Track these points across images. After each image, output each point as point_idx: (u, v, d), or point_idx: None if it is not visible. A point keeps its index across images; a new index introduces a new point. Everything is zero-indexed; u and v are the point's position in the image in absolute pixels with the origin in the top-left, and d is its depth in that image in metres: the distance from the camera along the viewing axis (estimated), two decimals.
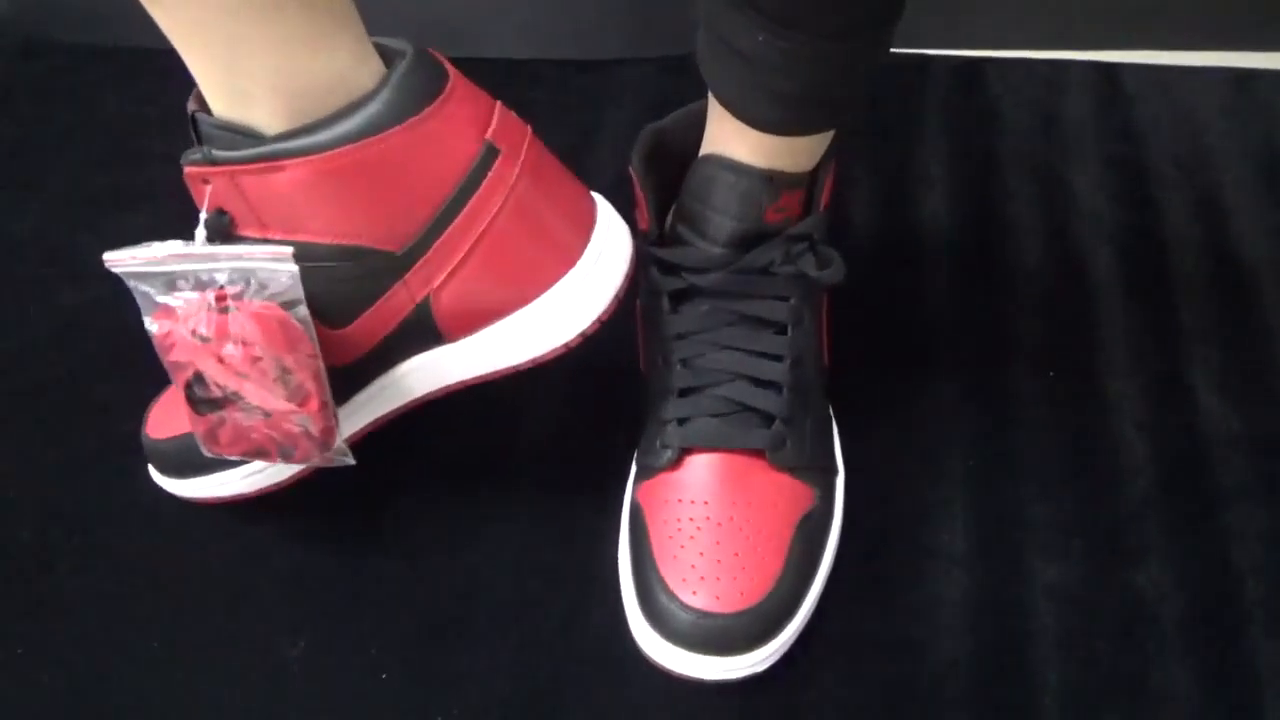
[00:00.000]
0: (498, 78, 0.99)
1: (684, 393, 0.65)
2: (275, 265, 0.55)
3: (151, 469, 0.69)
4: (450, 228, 0.57)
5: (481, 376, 0.62)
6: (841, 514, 0.67)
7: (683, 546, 0.62)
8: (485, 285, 0.59)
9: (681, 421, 0.65)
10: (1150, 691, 0.61)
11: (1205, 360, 0.77)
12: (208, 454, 0.62)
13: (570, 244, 0.60)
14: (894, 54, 1.00)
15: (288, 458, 0.60)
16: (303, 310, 0.56)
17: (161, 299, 0.57)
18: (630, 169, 0.66)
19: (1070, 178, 0.90)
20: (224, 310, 0.56)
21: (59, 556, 0.68)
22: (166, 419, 0.68)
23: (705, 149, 0.64)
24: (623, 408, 0.72)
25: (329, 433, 0.59)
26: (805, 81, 0.58)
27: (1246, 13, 1.00)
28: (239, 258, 0.55)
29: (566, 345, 0.61)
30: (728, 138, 0.62)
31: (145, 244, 0.57)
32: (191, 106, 0.56)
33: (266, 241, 0.56)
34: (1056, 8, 1.00)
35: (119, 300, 0.81)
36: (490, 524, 0.69)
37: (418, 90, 0.56)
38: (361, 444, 0.73)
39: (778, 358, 0.65)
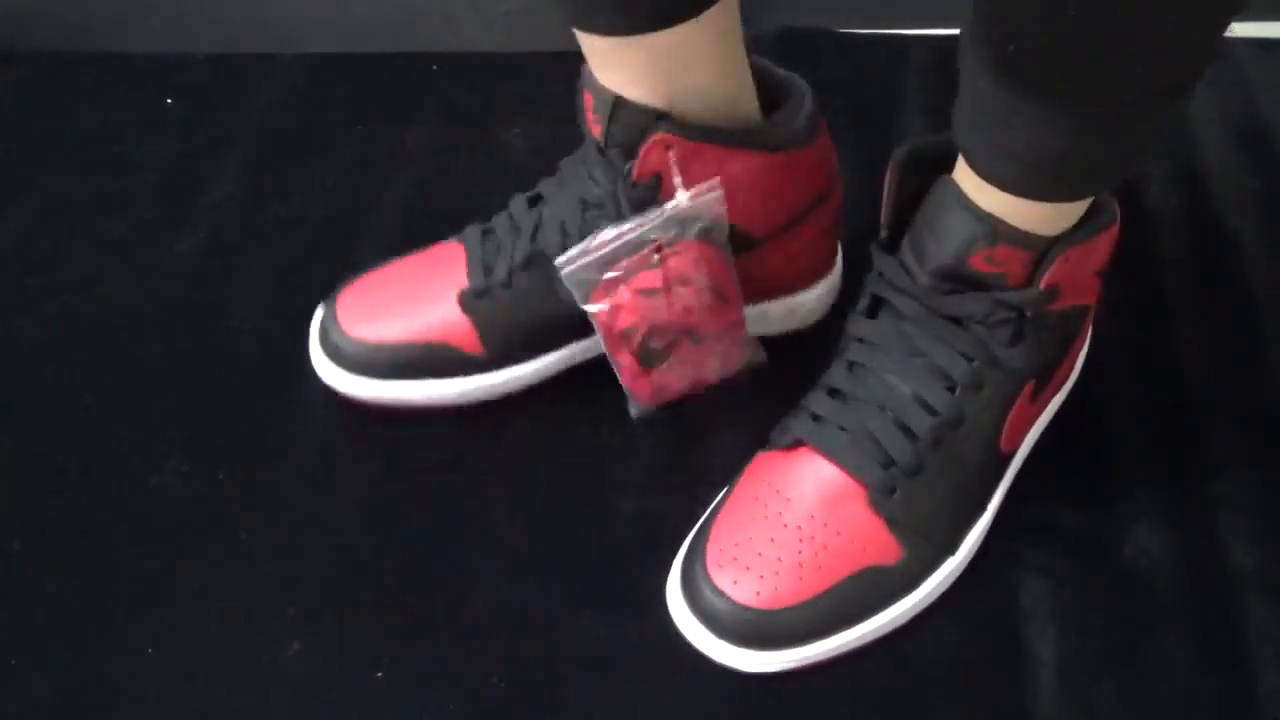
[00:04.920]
0: (477, 71, 1.00)
1: (833, 393, 0.65)
2: (708, 196, 0.65)
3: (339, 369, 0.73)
4: (790, 231, 0.71)
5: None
6: (932, 596, 0.64)
7: (741, 523, 0.62)
8: (777, 274, 0.73)
9: (816, 418, 0.64)
10: (1145, 662, 0.62)
11: (1190, 330, 0.77)
12: (637, 412, 0.71)
13: (828, 263, 0.76)
14: (871, 34, 1.01)
15: (725, 371, 0.72)
16: (722, 230, 0.66)
17: (607, 275, 0.65)
18: (889, 164, 0.63)
19: None
20: (665, 260, 0.65)
21: (51, 566, 0.68)
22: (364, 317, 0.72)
23: (954, 173, 0.61)
24: (610, 411, 0.72)
25: (745, 329, 0.71)
26: (1030, 144, 0.54)
27: None
28: (674, 211, 0.64)
29: (798, 329, 0.77)
30: (966, 168, 0.60)
31: (589, 239, 0.64)
32: (606, 93, 0.64)
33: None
34: None
35: (104, 308, 0.82)
36: (484, 521, 0.69)
37: (816, 119, 0.69)
38: (353, 442, 0.73)
39: (931, 411, 0.62)
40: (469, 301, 0.71)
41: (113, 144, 0.94)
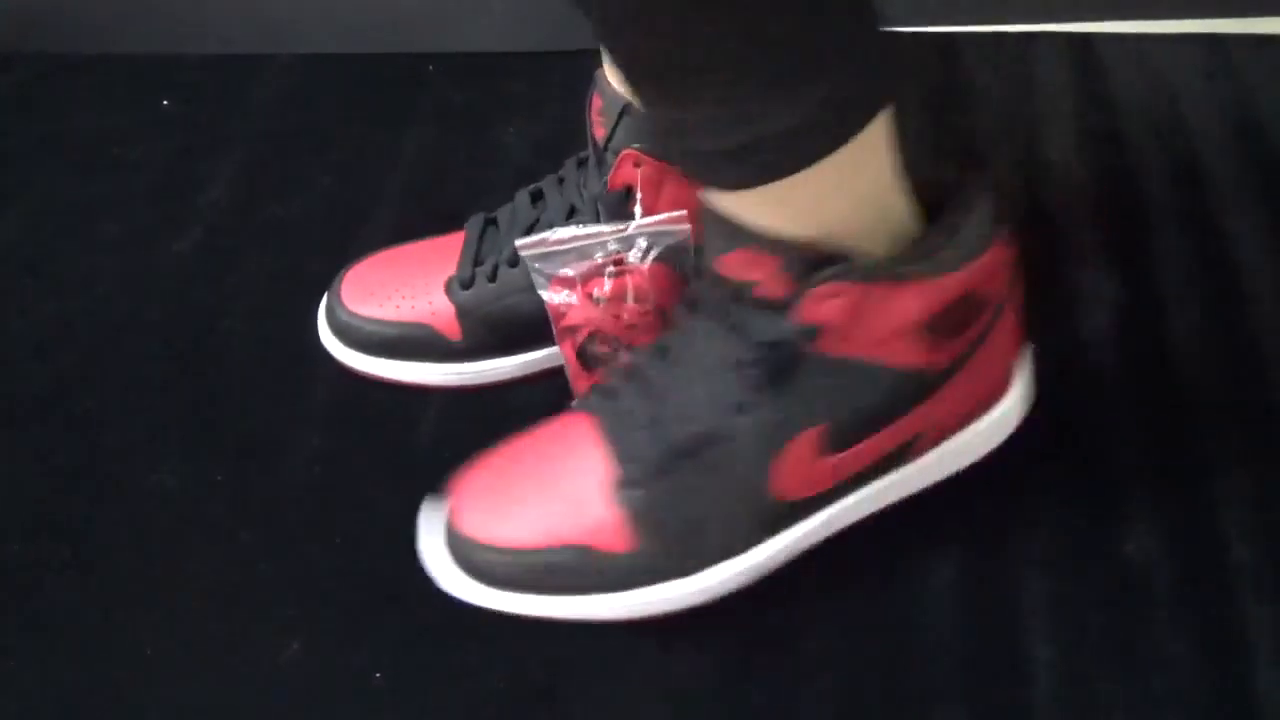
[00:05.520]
0: (474, 71, 1.00)
1: (632, 374, 0.64)
2: (674, 227, 0.65)
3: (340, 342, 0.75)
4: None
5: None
6: (648, 609, 0.61)
7: (502, 467, 0.64)
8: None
9: (609, 393, 0.63)
10: (1142, 659, 0.62)
11: (1189, 327, 0.77)
12: (578, 405, 0.69)
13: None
14: None
15: None
16: (684, 257, 0.66)
17: (562, 271, 0.66)
18: None
19: (1047, 150, 0.90)
20: (621, 274, 0.66)
21: (49, 567, 0.68)
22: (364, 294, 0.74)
23: None
24: None
25: None
26: (664, 131, 0.56)
27: None
28: (636, 229, 0.65)
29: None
30: None
31: (551, 230, 0.66)
32: (618, 97, 0.65)
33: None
34: None
35: (101, 308, 0.82)
36: None
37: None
38: (351, 442, 0.73)
39: (688, 419, 0.59)
40: (454, 289, 0.72)
41: (110, 145, 0.94)
